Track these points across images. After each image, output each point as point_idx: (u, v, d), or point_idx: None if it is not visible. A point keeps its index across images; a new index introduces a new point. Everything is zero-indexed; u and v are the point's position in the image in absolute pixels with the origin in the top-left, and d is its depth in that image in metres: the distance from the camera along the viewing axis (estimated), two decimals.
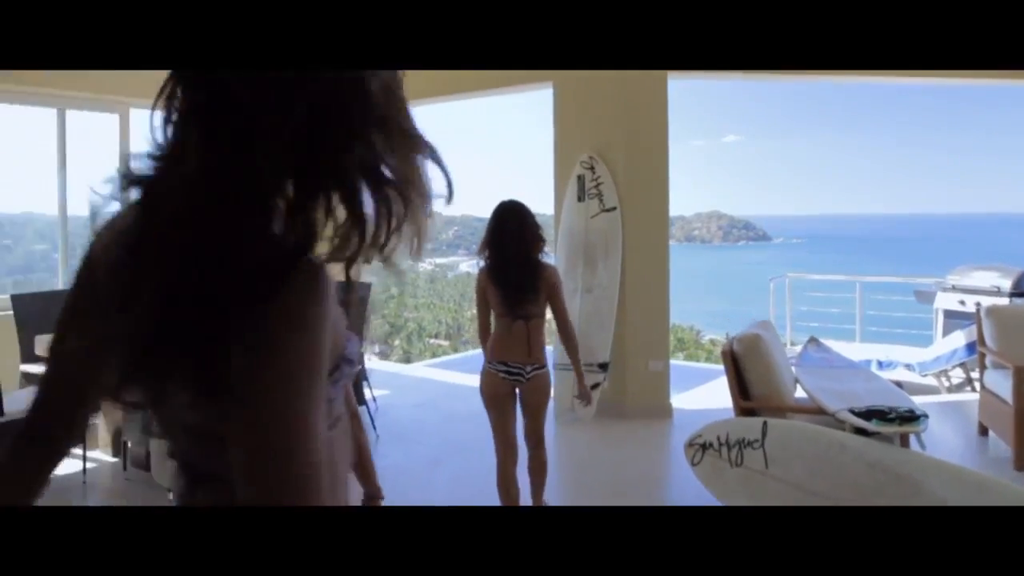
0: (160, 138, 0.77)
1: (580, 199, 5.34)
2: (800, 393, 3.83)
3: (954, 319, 6.67)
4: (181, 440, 0.85)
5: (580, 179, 5.35)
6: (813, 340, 4.43)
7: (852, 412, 3.12)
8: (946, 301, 6.79)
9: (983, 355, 4.76)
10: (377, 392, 6.22)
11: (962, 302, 6.65)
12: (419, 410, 5.82)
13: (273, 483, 0.69)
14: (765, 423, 3.25)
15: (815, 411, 3.37)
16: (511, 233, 3.09)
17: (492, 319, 3.24)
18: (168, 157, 0.76)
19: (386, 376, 7.22)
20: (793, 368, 3.93)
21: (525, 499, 3.29)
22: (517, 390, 3.18)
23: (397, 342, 20.96)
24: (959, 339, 5.88)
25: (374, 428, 5.10)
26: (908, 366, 6.13)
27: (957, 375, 6.15)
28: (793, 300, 8.23)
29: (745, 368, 3.52)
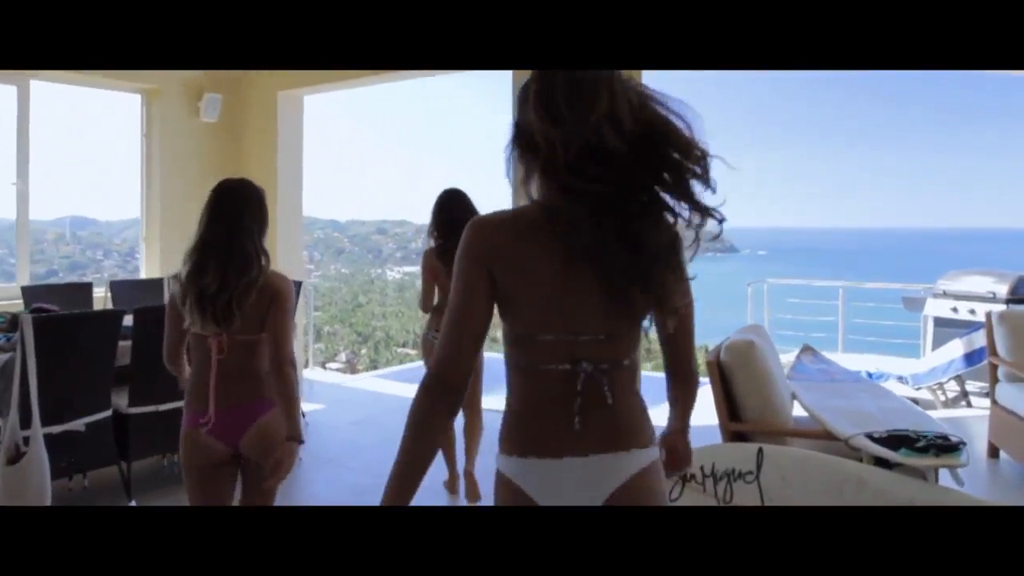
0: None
1: None
2: (797, 411, 3.20)
3: (946, 327, 6.14)
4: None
5: None
6: (808, 349, 3.81)
7: (871, 438, 2.49)
8: (937, 308, 6.27)
9: (994, 366, 4.20)
10: (311, 407, 5.48)
11: (954, 309, 6.14)
12: (355, 429, 5.08)
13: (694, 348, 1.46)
14: (760, 450, 2.61)
15: (821, 436, 2.74)
16: (458, 217, 3.29)
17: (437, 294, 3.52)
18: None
19: (326, 388, 6.47)
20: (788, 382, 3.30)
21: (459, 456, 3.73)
22: None
23: (364, 351, 20.49)
24: (956, 348, 5.34)
25: None
26: (900, 378, 5.57)
27: (951, 388, 5.62)
28: (770, 307, 7.68)
29: (735, 382, 2.87)
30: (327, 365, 21.11)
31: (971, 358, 5.23)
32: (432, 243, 3.42)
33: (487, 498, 3.58)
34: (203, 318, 2.09)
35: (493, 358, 8.34)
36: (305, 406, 5.34)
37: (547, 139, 1.19)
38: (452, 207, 3.39)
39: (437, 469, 3.53)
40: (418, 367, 6.90)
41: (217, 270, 2.08)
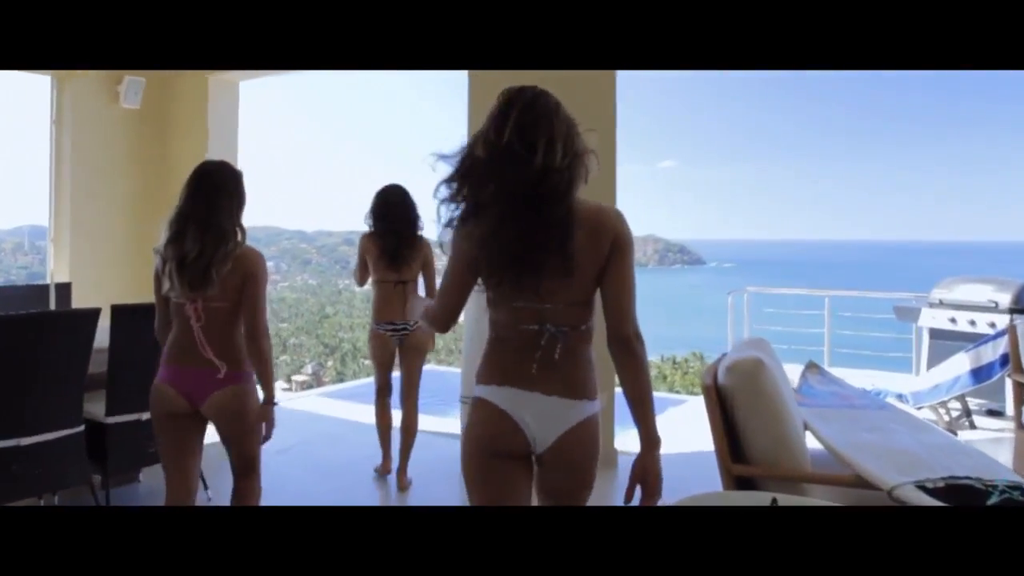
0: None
1: None
2: (811, 444, 2.58)
3: (943, 339, 5.65)
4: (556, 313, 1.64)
5: None
6: (813, 366, 3.20)
7: (924, 489, 1.89)
8: (933, 319, 5.77)
9: (1020, 385, 3.66)
10: None
11: (952, 320, 5.64)
12: (280, 460, 4.35)
13: (633, 314, 1.63)
14: (775, 502, 1.99)
15: (852, 483, 2.12)
16: (394, 207, 3.72)
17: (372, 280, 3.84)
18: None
19: None
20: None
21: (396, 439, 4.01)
22: (397, 346, 3.80)
23: (331, 363, 20.06)
24: (962, 364, 4.81)
25: (206, 489, 3.63)
26: (900, 396, 5.02)
27: (952, 407, 5.09)
28: (746, 319, 7.14)
29: (739, 413, 2.25)
30: (292, 377, 20.35)
31: (979, 374, 4.71)
32: (368, 228, 3.77)
33: (416, 492, 3.88)
34: (180, 283, 2.25)
35: (439, 371, 7.72)
36: None
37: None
38: (388, 199, 3.74)
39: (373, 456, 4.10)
40: (365, 384, 6.19)
41: (196, 238, 2.24)
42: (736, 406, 2.26)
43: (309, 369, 20.65)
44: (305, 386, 19.26)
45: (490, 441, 1.67)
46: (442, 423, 5.30)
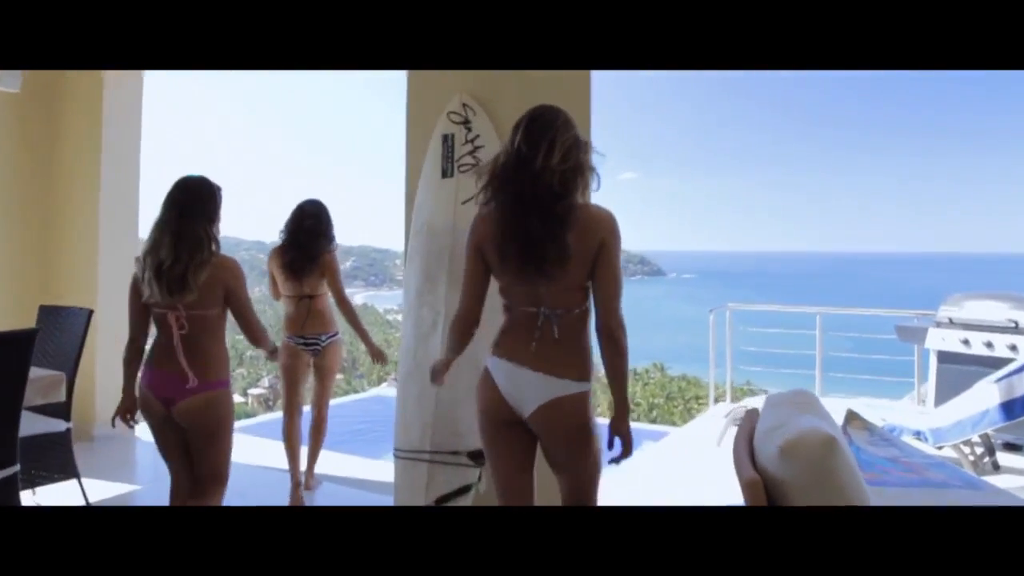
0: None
1: (445, 174, 3.22)
2: None
3: (954, 363, 5.00)
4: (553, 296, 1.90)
5: (447, 140, 3.24)
6: (855, 417, 2.43)
7: None
8: (942, 340, 5.12)
9: None
10: (125, 488, 3.82)
11: (965, 341, 4.99)
12: None
13: (617, 307, 1.88)
14: None
15: None
16: (303, 220, 3.70)
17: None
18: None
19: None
20: None
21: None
22: (312, 359, 3.77)
23: None
24: (990, 396, 4.13)
25: None
26: (918, 434, 4.32)
27: (974, 441, 4.42)
28: (719, 336, 6.43)
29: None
30: (249, 391, 19.14)
31: (1011, 409, 4.03)
32: (280, 241, 3.76)
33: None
34: (159, 288, 2.35)
35: (374, 396, 6.78)
36: (118, 486, 3.76)
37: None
38: (302, 213, 3.73)
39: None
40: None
41: (171, 245, 2.35)
42: (795, 502, 1.46)
43: (266, 383, 19.58)
44: (262, 399, 18.15)
45: (487, 412, 2.00)
46: (376, 468, 4.44)
